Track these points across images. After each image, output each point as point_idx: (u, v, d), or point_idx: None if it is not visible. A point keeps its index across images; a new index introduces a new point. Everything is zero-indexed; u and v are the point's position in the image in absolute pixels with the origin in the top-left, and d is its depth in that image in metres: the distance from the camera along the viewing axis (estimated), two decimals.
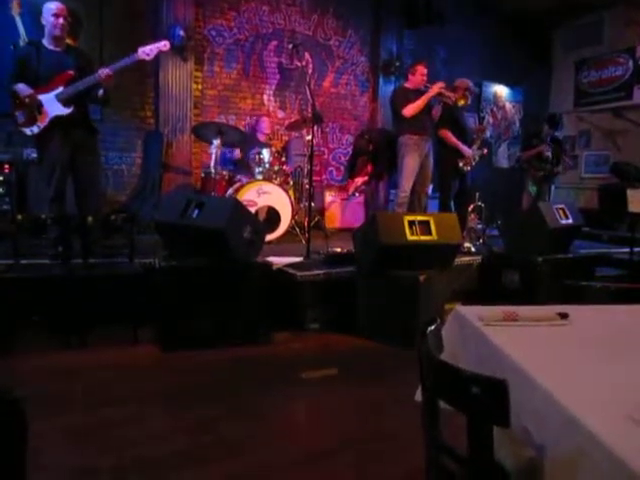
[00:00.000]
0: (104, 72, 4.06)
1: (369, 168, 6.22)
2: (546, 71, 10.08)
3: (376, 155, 6.20)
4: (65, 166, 4.26)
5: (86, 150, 4.36)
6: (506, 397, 1.09)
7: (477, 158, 6.11)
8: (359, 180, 6.13)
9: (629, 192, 5.41)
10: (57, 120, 4.15)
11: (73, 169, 4.32)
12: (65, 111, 4.14)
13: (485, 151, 6.35)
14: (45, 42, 4.23)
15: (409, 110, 5.54)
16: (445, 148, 6.10)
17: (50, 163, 4.24)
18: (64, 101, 4.13)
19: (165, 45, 4.20)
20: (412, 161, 5.62)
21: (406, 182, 5.64)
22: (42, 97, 4.12)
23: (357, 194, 6.75)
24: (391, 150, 6.07)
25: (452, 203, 6.13)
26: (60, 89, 4.13)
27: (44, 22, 4.19)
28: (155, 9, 6.81)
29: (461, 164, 6.03)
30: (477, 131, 6.37)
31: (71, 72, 4.15)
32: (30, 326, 3.72)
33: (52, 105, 4.12)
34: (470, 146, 6.09)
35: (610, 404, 1.14)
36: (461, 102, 5.80)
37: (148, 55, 4.12)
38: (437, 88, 5.63)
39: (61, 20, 4.16)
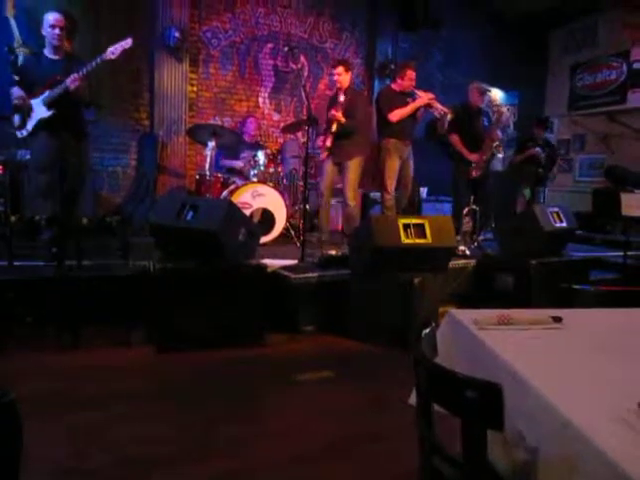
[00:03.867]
0: (71, 77, 4.19)
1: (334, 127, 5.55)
2: (541, 74, 10.10)
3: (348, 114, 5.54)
4: (52, 167, 4.35)
5: (73, 153, 4.44)
6: (500, 401, 1.10)
7: (485, 161, 6.04)
8: (328, 140, 5.72)
9: (623, 196, 5.43)
10: (42, 123, 4.29)
11: (60, 171, 4.40)
12: (47, 113, 4.27)
13: (501, 155, 6.31)
14: (46, 51, 4.41)
15: (395, 116, 5.52)
16: (455, 153, 6.08)
17: (37, 164, 4.40)
18: (48, 104, 4.26)
19: (127, 43, 4.30)
20: (393, 163, 5.61)
21: (390, 184, 5.63)
22: (33, 101, 4.28)
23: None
24: (363, 107, 5.78)
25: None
26: (47, 93, 4.26)
27: (44, 33, 4.36)
28: (151, 10, 6.80)
29: (473, 173, 6.00)
30: (489, 138, 6.17)
31: (57, 77, 4.25)
32: (24, 327, 3.70)
33: (39, 108, 4.27)
34: (478, 150, 6.04)
35: (604, 407, 1.14)
36: (449, 116, 5.79)
37: (113, 54, 4.25)
38: (427, 98, 5.58)
39: (57, 31, 4.32)
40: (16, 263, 4.07)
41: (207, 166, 5.85)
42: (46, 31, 4.33)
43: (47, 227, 4.37)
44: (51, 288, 3.83)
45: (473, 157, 6.00)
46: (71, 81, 4.17)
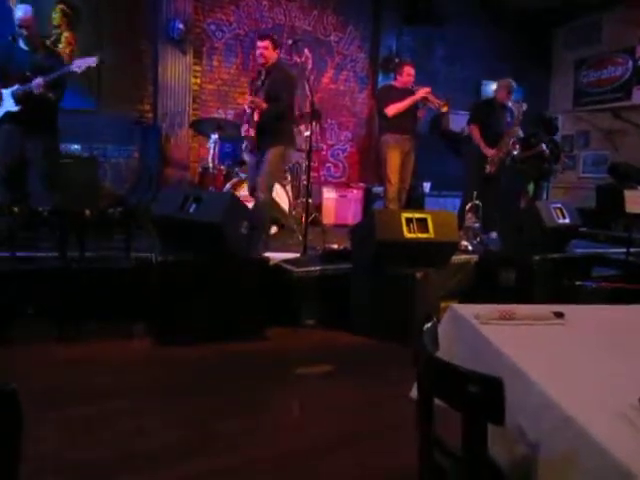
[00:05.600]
0: (37, 81, 4.25)
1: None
2: (545, 70, 10.07)
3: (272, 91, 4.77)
4: (13, 158, 4.48)
5: (38, 149, 4.52)
6: (501, 395, 1.09)
7: (502, 157, 6.00)
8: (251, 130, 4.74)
9: (626, 193, 5.42)
10: (9, 115, 4.42)
11: (27, 164, 4.55)
12: (15, 108, 4.39)
13: (516, 151, 6.27)
14: (20, 42, 4.47)
15: (391, 110, 5.57)
16: (471, 145, 6.05)
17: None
18: (16, 99, 4.36)
19: (93, 61, 4.34)
20: (395, 155, 5.66)
21: (392, 176, 5.67)
22: (4, 91, 4.42)
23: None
24: (291, 89, 4.91)
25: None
26: (16, 86, 4.35)
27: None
28: (154, 2, 6.78)
29: (487, 168, 5.96)
30: (507, 134, 6.12)
31: (27, 73, 4.31)
32: (25, 319, 3.71)
33: (8, 100, 4.40)
34: (495, 145, 5.99)
35: (605, 403, 1.14)
36: (444, 109, 5.76)
37: (79, 68, 4.31)
38: (423, 92, 5.63)
39: (24, 31, 4.39)
40: (18, 254, 4.07)
41: (210, 159, 5.84)
42: (16, 27, 4.39)
43: (50, 219, 4.42)
44: (53, 280, 3.83)
45: (490, 152, 5.96)
46: (36, 86, 4.25)
